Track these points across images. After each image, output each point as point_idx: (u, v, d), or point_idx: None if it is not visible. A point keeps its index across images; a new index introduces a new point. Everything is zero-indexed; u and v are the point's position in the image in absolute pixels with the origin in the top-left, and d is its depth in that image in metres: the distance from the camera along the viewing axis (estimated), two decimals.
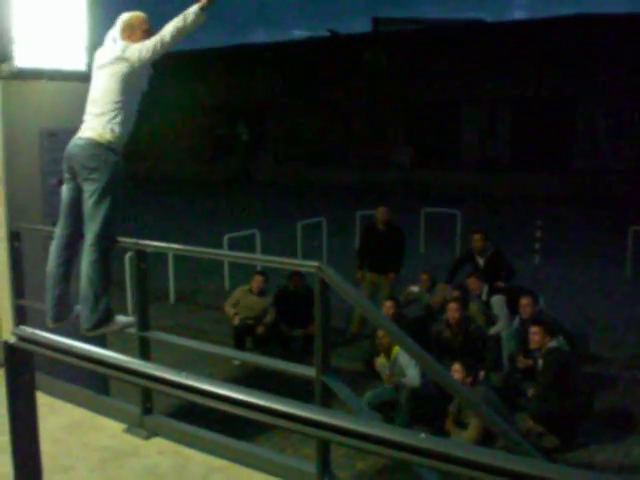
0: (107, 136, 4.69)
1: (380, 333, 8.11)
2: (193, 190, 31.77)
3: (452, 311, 8.97)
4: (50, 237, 5.23)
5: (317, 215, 16.92)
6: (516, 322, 9.38)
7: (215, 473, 4.56)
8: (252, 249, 14.04)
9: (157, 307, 9.56)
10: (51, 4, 6.22)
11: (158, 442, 5.00)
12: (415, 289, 10.99)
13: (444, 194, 26.14)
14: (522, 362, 8.55)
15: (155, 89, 5.05)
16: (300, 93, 35.73)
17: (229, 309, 10.49)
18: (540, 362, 7.86)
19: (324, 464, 4.36)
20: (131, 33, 4.85)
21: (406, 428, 7.17)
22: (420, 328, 9.38)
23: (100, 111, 4.74)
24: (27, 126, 6.17)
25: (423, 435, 1.82)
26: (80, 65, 6.47)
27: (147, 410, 5.25)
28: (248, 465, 4.57)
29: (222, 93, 37.52)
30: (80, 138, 4.77)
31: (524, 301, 9.14)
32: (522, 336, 8.70)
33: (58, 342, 2.62)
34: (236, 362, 9.33)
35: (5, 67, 5.93)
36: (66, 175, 4.91)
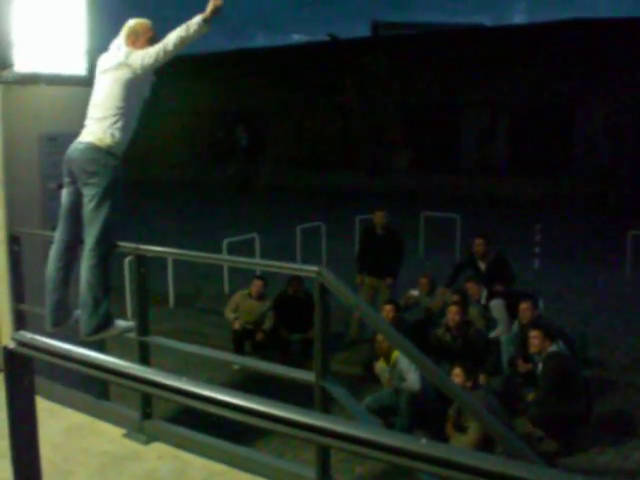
0: (107, 141, 4.70)
1: (380, 337, 8.10)
2: (192, 194, 31.76)
3: (452, 314, 8.96)
4: (49, 241, 5.23)
5: (316, 219, 16.91)
6: (515, 326, 9.38)
7: (214, 478, 4.55)
8: (251, 253, 14.03)
9: (156, 311, 9.55)
10: (50, 9, 6.23)
11: (158, 447, 5.00)
12: (415, 293, 10.99)
13: (443, 198, 26.13)
14: (522, 366, 8.55)
15: (154, 93, 5.06)
16: (299, 97, 35.75)
17: (229, 314, 10.49)
18: (540, 366, 7.86)
19: (323, 469, 4.36)
20: (135, 40, 4.88)
21: (406, 433, 7.18)
22: (420, 332, 9.37)
23: (101, 116, 4.75)
24: (26, 130, 6.17)
25: (424, 441, 1.82)
26: (79, 70, 6.48)
27: (147, 415, 5.24)
28: (247, 470, 4.56)
29: (221, 97, 37.53)
30: (80, 142, 4.78)
31: (523, 306, 9.13)
32: (522, 340, 8.69)
33: (58, 347, 2.62)
34: (235, 366, 9.33)
35: (7, 74, 5.93)
36: (66, 179, 4.91)
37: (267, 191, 32.61)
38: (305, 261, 14.45)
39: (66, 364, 2.61)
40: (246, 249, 14.10)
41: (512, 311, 9.63)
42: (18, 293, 5.96)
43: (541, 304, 10.17)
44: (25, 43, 6.05)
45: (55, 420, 5.23)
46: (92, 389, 5.76)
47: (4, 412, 2.57)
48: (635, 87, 27.07)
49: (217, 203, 28.99)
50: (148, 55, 4.67)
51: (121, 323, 5.10)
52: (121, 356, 2.59)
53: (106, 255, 4.80)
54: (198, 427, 5.14)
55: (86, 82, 6.35)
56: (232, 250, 13.33)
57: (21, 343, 2.58)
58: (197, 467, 4.68)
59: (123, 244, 5.10)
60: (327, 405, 4.41)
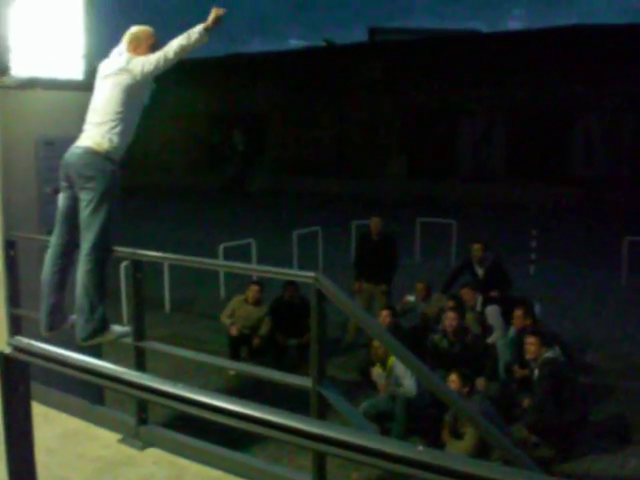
0: (105, 145, 4.71)
1: (376, 343, 8.09)
2: (189, 199, 31.76)
3: (450, 320, 8.93)
4: (45, 246, 5.22)
5: (313, 225, 16.91)
6: (512, 332, 9.37)
7: None
8: (248, 258, 14.02)
9: (152, 316, 9.53)
10: (48, 13, 6.22)
11: (153, 452, 4.98)
12: (411, 298, 10.99)
13: (439, 204, 26.16)
14: (518, 372, 8.55)
15: (152, 97, 5.07)
16: (296, 102, 35.79)
17: (225, 319, 10.47)
18: (536, 372, 7.85)
19: (319, 475, 4.35)
20: (137, 46, 4.91)
21: (402, 438, 7.17)
22: (416, 338, 9.36)
23: (100, 120, 4.76)
24: (23, 134, 6.16)
25: (421, 448, 1.82)
26: (76, 74, 6.47)
27: (142, 420, 5.23)
28: (243, 476, 4.55)
29: (218, 102, 37.57)
30: (78, 147, 4.79)
31: (517, 312, 9.14)
32: (518, 346, 8.69)
33: (54, 353, 2.62)
34: (231, 372, 9.31)
35: (7, 79, 5.93)
36: (63, 183, 4.91)
37: (263, 196, 32.62)
38: (302, 266, 14.46)
39: (62, 369, 2.60)
40: (242, 254, 14.09)
41: (508, 317, 9.64)
42: (14, 297, 5.94)
43: (537, 309, 10.17)
44: (22, 47, 6.05)
45: (50, 425, 5.22)
46: (88, 394, 5.75)
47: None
48: (631, 92, 27.17)
49: (213, 208, 28.97)
50: (149, 62, 4.70)
51: (117, 328, 5.09)
52: (117, 361, 2.59)
53: (102, 260, 4.80)
54: (194, 433, 5.13)
55: (83, 87, 6.35)
56: (228, 255, 13.32)
57: (17, 348, 2.58)
58: (193, 473, 4.67)
59: (119, 249, 5.09)
60: (323, 411, 4.40)
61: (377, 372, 8.46)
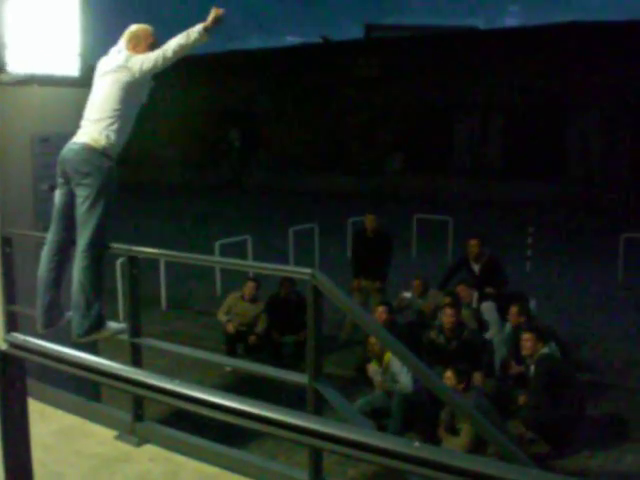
0: (102, 142, 4.71)
1: (372, 339, 8.10)
2: (185, 196, 31.74)
3: (448, 316, 8.89)
4: (42, 242, 5.21)
5: (309, 221, 16.91)
6: (507, 328, 9.39)
7: None
8: (244, 255, 14.02)
9: (148, 313, 9.52)
10: (43, 10, 6.21)
11: (149, 449, 4.98)
12: (408, 295, 10.99)
13: (435, 201, 26.17)
14: (514, 368, 8.56)
15: (150, 95, 5.07)
16: (293, 99, 35.76)
17: (222, 316, 10.47)
18: (532, 369, 7.87)
19: (316, 471, 4.36)
20: (136, 44, 4.92)
21: (398, 435, 7.18)
22: (413, 334, 9.37)
23: (98, 117, 4.77)
24: (19, 131, 6.16)
25: (417, 444, 1.82)
26: (72, 71, 6.47)
27: (138, 417, 5.23)
28: (240, 472, 4.55)
29: (214, 99, 37.51)
30: (75, 143, 4.79)
31: (513, 309, 9.15)
32: (514, 342, 8.70)
33: (50, 349, 2.62)
34: (227, 369, 9.32)
35: (3, 76, 5.92)
36: (59, 180, 4.91)
37: (260, 193, 32.60)
38: (298, 263, 14.43)
39: (58, 366, 2.60)
40: (238, 251, 14.09)
41: (503, 313, 9.65)
42: (9, 294, 5.94)
43: (533, 306, 10.18)
44: (18, 44, 6.04)
45: (46, 422, 5.22)
46: (84, 391, 5.75)
47: None
48: (627, 89, 27.19)
49: (210, 205, 28.95)
50: (148, 60, 4.71)
51: (113, 325, 5.09)
52: (113, 358, 2.58)
53: (99, 257, 4.80)
54: (190, 429, 5.14)
55: (79, 83, 6.36)
56: (224, 252, 13.32)
57: (14, 345, 2.58)
58: (189, 469, 4.67)
59: (116, 245, 5.09)
60: (319, 407, 4.41)
61: (373, 368, 8.46)
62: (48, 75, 6.31)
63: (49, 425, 5.20)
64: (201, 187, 34.54)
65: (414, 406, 7.81)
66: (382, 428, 7.71)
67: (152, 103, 5.09)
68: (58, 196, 4.96)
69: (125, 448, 4.99)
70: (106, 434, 5.19)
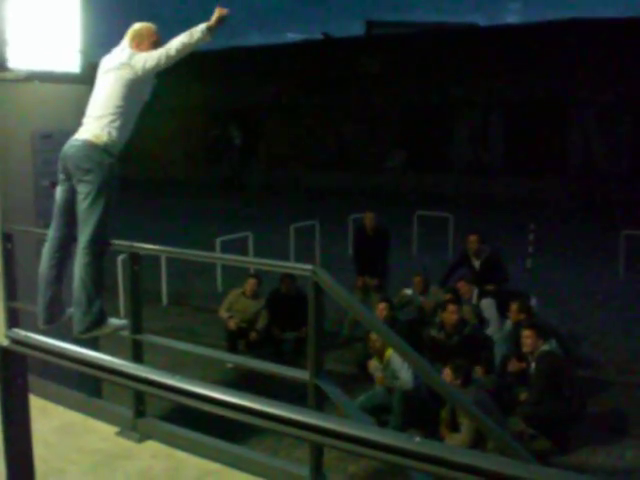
0: (104, 138, 4.71)
1: (373, 336, 8.10)
2: (186, 193, 31.74)
3: (450, 312, 8.89)
4: (43, 239, 5.22)
5: (310, 218, 16.91)
6: (508, 325, 9.38)
7: (208, 476, 4.55)
8: (245, 252, 14.02)
9: (149, 310, 9.52)
10: (44, 6, 6.21)
11: (151, 445, 4.99)
12: (408, 292, 11.00)
13: (437, 197, 26.16)
14: (515, 365, 8.55)
15: (150, 92, 5.07)
16: (293, 96, 35.73)
17: (223, 313, 10.47)
18: (533, 365, 7.87)
19: (317, 467, 4.36)
20: (140, 42, 4.94)
21: (399, 431, 7.17)
22: (413, 331, 9.37)
23: (100, 114, 4.78)
24: (20, 128, 6.16)
25: (418, 439, 1.82)
26: (73, 67, 6.47)
27: (140, 413, 5.23)
28: (241, 468, 4.56)
29: (215, 96, 37.47)
30: (77, 139, 4.80)
31: (514, 307, 9.15)
32: (515, 339, 8.70)
33: (51, 345, 2.62)
34: (229, 365, 9.32)
35: (4, 73, 5.92)
36: (61, 176, 4.92)
37: (260, 190, 32.60)
38: (299, 260, 14.42)
39: (60, 362, 2.61)
40: (239, 248, 14.10)
41: (504, 310, 9.65)
42: (11, 291, 5.95)
43: (534, 303, 10.18)
44: (19, 41, 6.04)
45: (48, 418, 5.22)
46: (85, 387, 5.76)
47: None
48: (628, 87, 27.15)
49: (210, 202, 28.95)
50: (151, 57, 4.73)
51: (114, 321, 5.10)
52: (114, 354, 2.59)
53: (100, 253, 4.81)
54: (192, 425, 5.14)
55: (80, 80, 6.36)
56: (225, 248, 13.32)
57: (15, 341, 2.58)
58: (191, 465, 4.68)
59: (117, 242, 5.10)
60: (320, 403, 4.41)
61: (374, 365, 8.47)
62: (49, 72, 6.31)
63: (51, 421, 5.21)
64: (202, 184, 34.53)
65: (415, 402, 7.82)
66: (383, 424, 7.72)
67: (152, 100, 5.09)
68: (59, 193, 4.97)
69: (126, 444, 5.00)
70: (108, 430, 5.20)
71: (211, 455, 4.72)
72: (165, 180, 35.55)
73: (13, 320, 5.91)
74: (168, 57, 4.70)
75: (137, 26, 5.05)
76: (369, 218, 11.41)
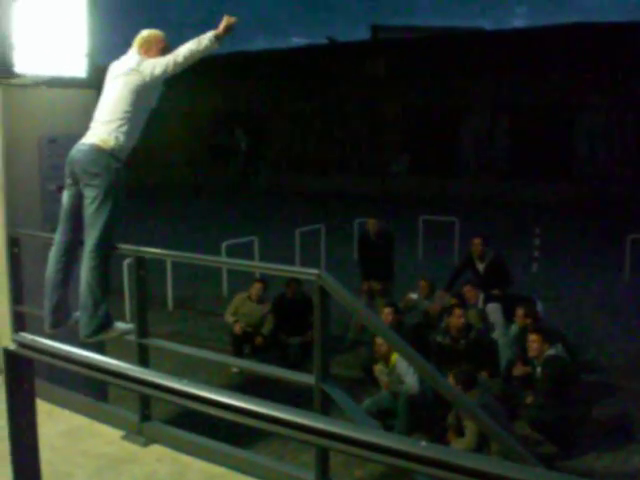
0: (111, 143, 4.74)
1: (379, 340, 8.10)
2: (191, 197, 31.79)
3: (457, 317, 8.88)
4: (49, 243, 5.24)
5: (315, 222, 16.92)
6: (514, 329, 9.37)
7: None
8: (250, 256, 14.03)
9: (155, 314, 9.54)
10: (51, 11, 6.23)
11: (156, 449, 5.00)
12: (414, 296, 11.00)
13: (442, 202, 26.15)
14: (520, 369, 8.54)
15: (158, 98, 5.10)
16: (299, 100, 35.76)
17: (229, 317, 10.48)
18: (539, 370, 7.86)
19: (323, 472, 4.36)
20: (148, 49, 4.99)
21: (405, 436, 7.17)
22: (419, 335, 9.37)
23: (108, 119, 4.81)
24: (26, 132, 6.18)
25: (424, 443, 1.83)
26: (80, 72, 6.48)
27: (145, 417, 5.24)
28: (246, 472, 4.56)
29: (221, 100, 37.53)
30: (84, 144, 4.82)
31: (520, 311, 9.15)
32: (520, 343, 8.69)
33: (58, 349, 2.62)
34: (235, 369, 9.33)
35: (11, 78, 5.94)
36: (67, 180, 4.94)
37: (266, 194, 32.62)
38: (304, 264, 14.44)
39: (66, 366, 2.61)
40: (245, 252, 14.11)
41: (509, 314, 9.64)
42: (17, 294, 5.96)
43: (540, 307, 10.16)
44: (26, 45, 6.05)
45: (54, 422, 5.23)
46: (91, 391, 5.76)
47: (4, 414, 2.57)
48: (635, 90, 27.12)
49: (216, 206, 28.98)
50: (159, 64, 4.77)
51: (120, 325, 5.11)
52: (119, 359, 2.59)
53: (106, 257, 4.82)
54: (197, 429, 5.14)
55: (86, 84, 6.38)
56: (231, 253, 13.33)
57: (22, 345, 2.58)
58: (196, 470, 4.68)
59: (123, 246, 5.11)
60: (326, 408, 4.41)
61: (380, 369, 8.46)
62: (56, 76, 6.33)
63: (57, 425, 5.21)
64: (207, 189, 34.57)
65: (420, 407, 7.81)
66: (388, 428, 7.71)
67: (159, 104, 5.11)
68: (66, 197, 4.99)
69: (132, 448, 5.00)
70: (113, 434, 5.20)
71: (216, 459, 4.72)
72: (170, 184, 35.60)
73: (20, 324, 5.92)
74: (176, 64, 4.73)
75: (145, 33, 5.09)
76: (371, 224, 11.55)
